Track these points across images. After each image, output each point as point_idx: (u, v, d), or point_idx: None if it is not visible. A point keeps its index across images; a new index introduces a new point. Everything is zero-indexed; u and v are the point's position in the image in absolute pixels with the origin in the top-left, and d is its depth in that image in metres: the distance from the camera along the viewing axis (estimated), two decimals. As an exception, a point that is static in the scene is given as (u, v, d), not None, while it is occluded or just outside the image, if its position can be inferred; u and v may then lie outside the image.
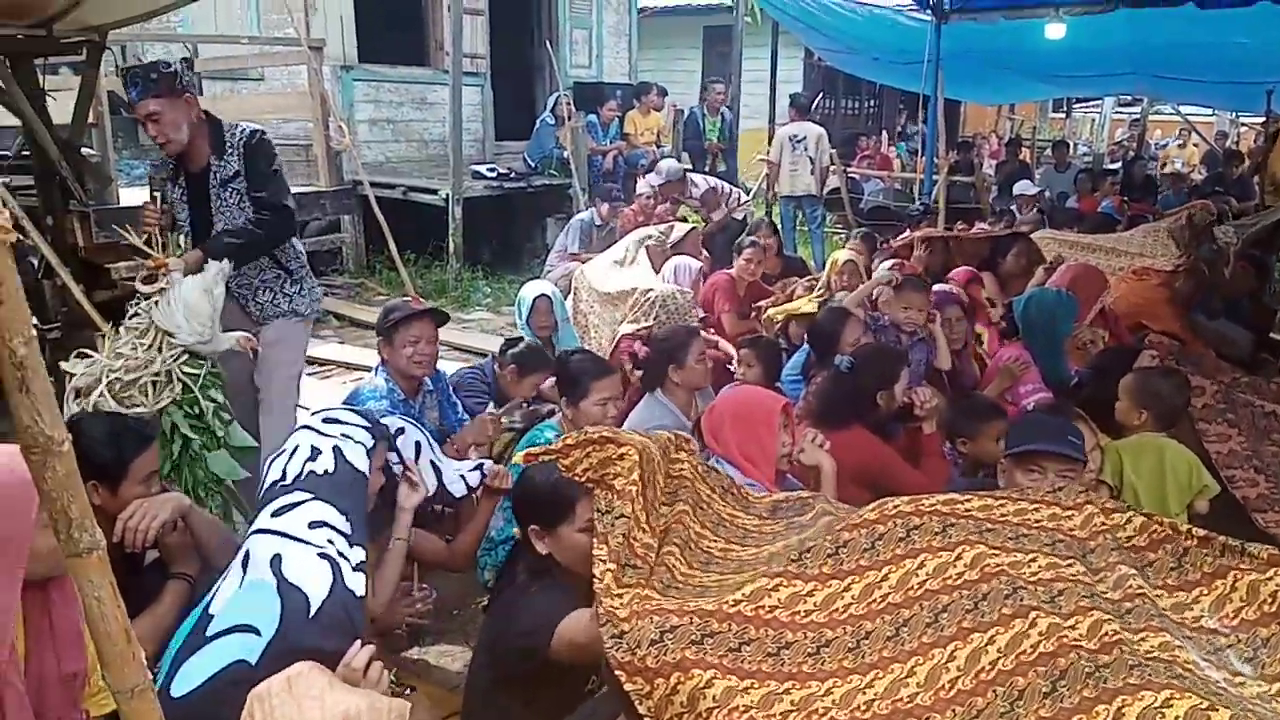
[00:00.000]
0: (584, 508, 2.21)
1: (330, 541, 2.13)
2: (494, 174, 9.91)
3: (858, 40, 10.88)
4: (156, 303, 3.19)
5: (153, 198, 3.69)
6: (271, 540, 2.09)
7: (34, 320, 2.81)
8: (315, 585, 2.07)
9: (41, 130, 4.33)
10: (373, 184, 6.44)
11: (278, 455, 2.36)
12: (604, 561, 1.97)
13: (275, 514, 2.17)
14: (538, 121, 10.42)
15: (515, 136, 11.41)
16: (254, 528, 2.19)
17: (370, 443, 2.42)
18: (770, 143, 12.11)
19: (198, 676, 1.94)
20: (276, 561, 2.05)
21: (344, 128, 6.96)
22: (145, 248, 3.30)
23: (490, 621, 2.44)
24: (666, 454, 2.42)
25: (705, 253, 7.01)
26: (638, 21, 14.06)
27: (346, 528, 2.18)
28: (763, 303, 5.76)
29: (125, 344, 3.14)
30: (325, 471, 2.28)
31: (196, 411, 3.13)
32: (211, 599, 2.11)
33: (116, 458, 2.52)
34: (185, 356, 3.17)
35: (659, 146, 10.89)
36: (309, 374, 6.77)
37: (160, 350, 3.13)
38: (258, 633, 1.99)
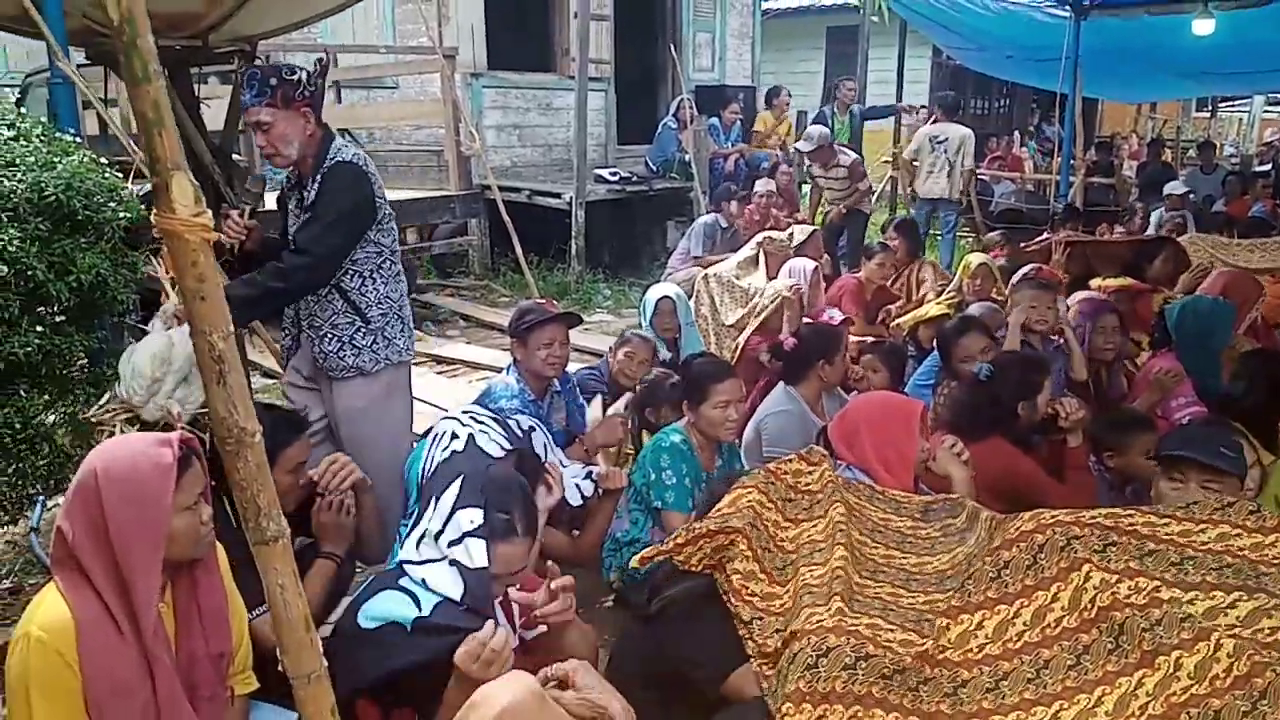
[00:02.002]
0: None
1: (452, 544, 2.20)
2: (616, 177, 9.98)
3: (990, 38, 10.55)
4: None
5: (240, 207, 3.42)
6: (420, 569, 2.18)
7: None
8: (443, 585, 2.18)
9: (196, 137, 4.55)
10: (499, 188, 6.58)
11: (428, 443, 2.43)
12: (749, 639, 2.08)
13: (416, 543, 2.26)
14: (659, 125, 10.46)
15: (637, 140, 11.49)
16: (421, 556, 2.27)
17: (505, 440, 2.46)
18: (894, 143, 11.90)
19: (370, 620, 2.10)
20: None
21: (474, 133, 7.11)
22: (165, 280, 2.87)
23: (652, 630, 2.45)
24: (793, 484, 2.42)
25: (825, 255, 6.94)
26: (761, 23, 13.98)
27: (479, 515, 2.22)
28: (890, 307, 5.65)
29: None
30: (454, 453, 2.34)
31: None
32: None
33: (268, 445, 2.63)
34: (131, 416, 2.76)
35: (782, 149, 10.80)
36: (437, 372, 6.95)
37: (112, 400, 2.80)
38: (418, 605, 2.06)
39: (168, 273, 2.86)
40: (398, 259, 3.47)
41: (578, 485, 3.03)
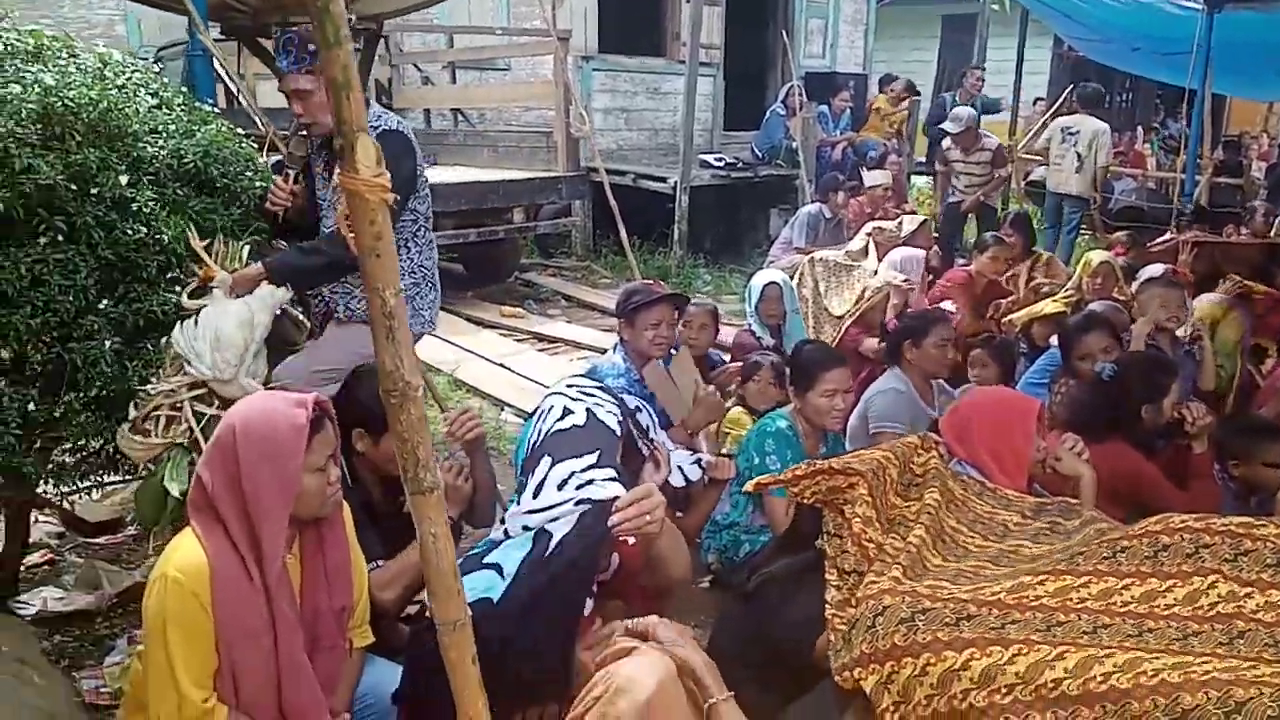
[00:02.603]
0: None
1: (579, 487, 2.18)
2: (721, 163, 9.94)
3: (1117, 29, 10.12)
4: (178, 324, 2.75)
5: (284, 173, 3.16)
6: (539, 516, 2.19)
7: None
8: (563, 526, 2.15)
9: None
10: (605, 171, 6.63)
11: (535, 419, 2.46)
12: (833, 584, 2.02)
13: (533, 494, 2.26)
14: (768, 112, 10.37)
15: (743, 126, 11.43)
16: (521, 508, 2.29)
17: (619, 415, 2.48)
18: (1010, 135, 11.55)
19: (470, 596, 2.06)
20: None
21: (584, 115, 7.16)
22: (201, 252, 2.80)
23: (751, 608, 2.45)
24: (909, 458, 2.38)
25: (935, 246, 6.81)
26: (875, 10, 13.73)
27: (594, 459, 2.22)
28: (1003, 302, 5.51)
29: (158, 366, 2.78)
30: (574, 426, 2.35)
31: None
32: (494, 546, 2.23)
33: (383, 410, 2.72)
34: (202, 392, 2.72)
35: (894, 139, 10.61)
36: (538, 349, 7.06)
37: (180, 377, 2.72)
38: (502, 573, 2.08)
39: (204, 243, 2.81)
40: (430, 227, 3.43)
41: (682, 469, 3.04)
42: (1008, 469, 2.77)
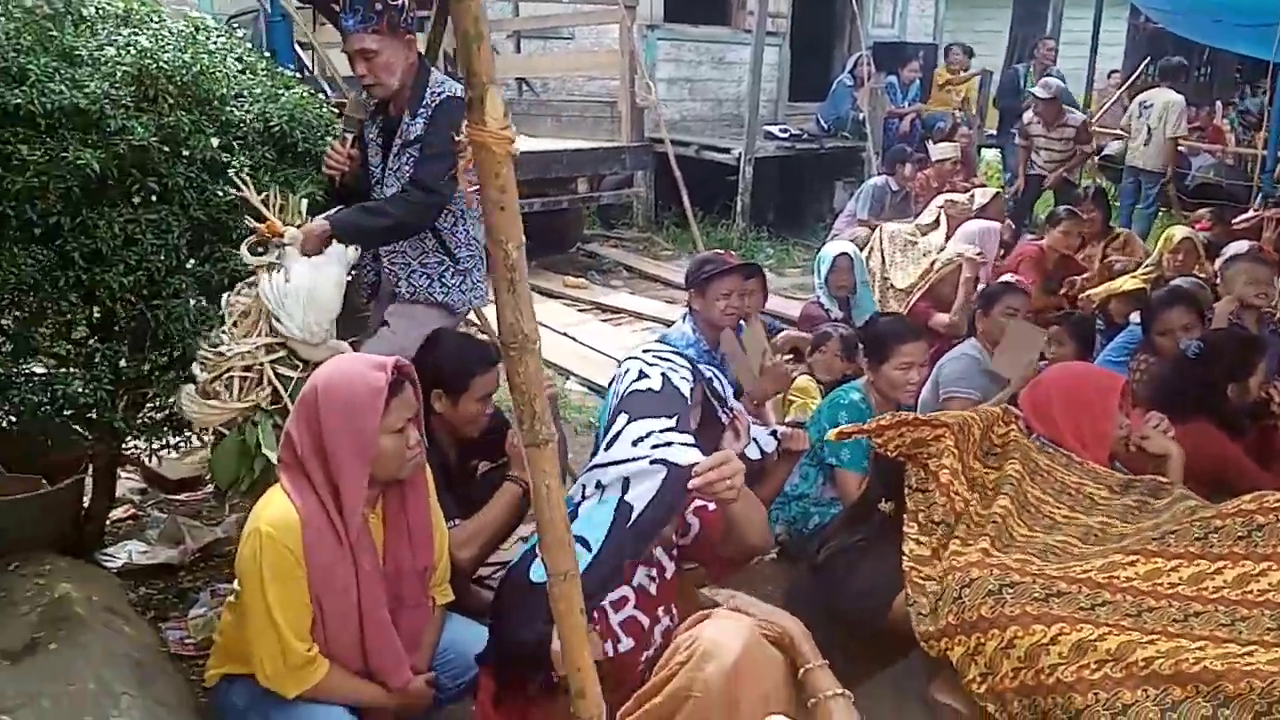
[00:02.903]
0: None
1: (655, 446, 2.16)
2: (786, 135, 9.84)
3: (1198, 0, 9.80)
4: (264, 278, 2.63)
5: (342, 136, 3.09)
6: (614, 469, 2.19)
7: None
8: (645, 492, 2.14)
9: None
10: (676, 141, 6.59)
11: (613, 384, 2.47)
12: (914, 539, 1.98)
13: (605, 448, 2.27)
14: (834, 82, 10.23)
15: (808, 97, 11.27)
16: (593, 462, 2.30)
17: (692, 382, 2.48)
18: (1086, 109, 11.25)
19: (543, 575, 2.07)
20: (625, 483, 2.14)
21: (650, 85, 7.13)
22: (260, 206, 2.67)
23: (820, 579, 2.45)
24: (991, 426, 2.35)
25: (1008, 219, 6.69)
26: (945, -21, 13.44)
27: (671, 423, 2.22)
28: (1076, 279, 5.39)
29: (222, 327, 2.66)
30: (650, 389, 2.35)
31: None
32: (576, 507, 2.24)
33: (462, 373, 2.75)
34: (282, 354, 2.62)
35: (961, 110, 10.40)
36: (601, 320, 7.08)
37: (257, 339, 2.61)
38: (589, 547, 2.09)
39: (264, 200, 2.69)
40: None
41: (757, 441, 3.03)
42: (1088, 446, 2.71)
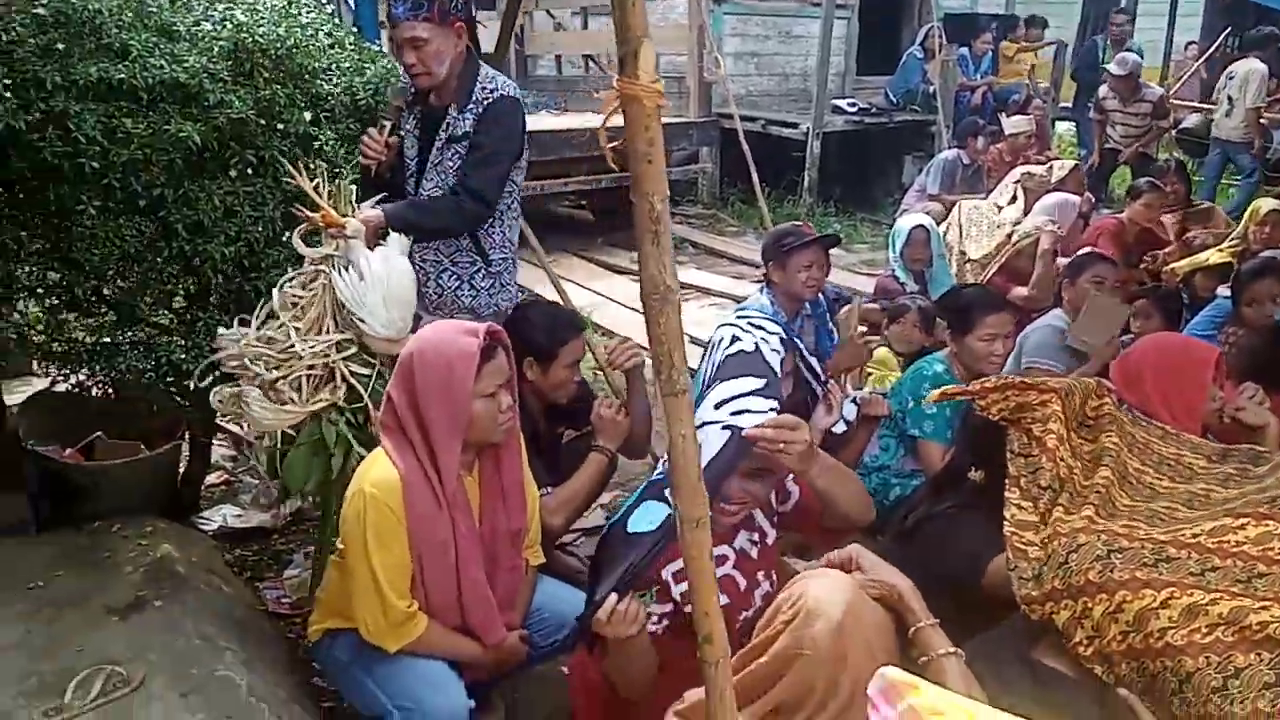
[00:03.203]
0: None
1: (735, 413, 2.18)
2: (854, 109, 9.72)
3: (1283, -34, 9.45)
4: (336, 273, 2.47)
5: (380, 125, 2.95)
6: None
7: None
8: (707, 454, 2.14)
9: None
10: (745, 117, 6.56)
11: (707, 352, 2.50)
12: (1016, 504, 1.97)
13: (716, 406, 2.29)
14: (904, 55, 10.06)
15: (877, 71, 11.11)
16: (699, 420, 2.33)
17: (783, 352, 2.49)
18: (1163, 82, 10.93)
19: (646, 524, 2.13)
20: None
21: (719, 60, 7.09)
22: (313, 194, 2.51)
23: (910, 548, 2.45)
24: (1086, 396, 2.32)
25: (1087, 193, 6.55)
26: (1019, -52, 13.09)
27: (758, 385, 2.23)
28: (1160, 253, 5.27)
29: (278, 324, 2.49)
30: (742, 352, 2.37)
31: (361, 420, 2.47)
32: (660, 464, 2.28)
33: (552, 340, 2.81)
34: (354, 350, 2.49)
35: (1030, 81, 10.17)
36: (669, 296, 7.09)
37: (326, 335, 2.47)
38: (669, 503, 2.13)
39: (314, 184, 2.53)
40: (518, 201, 3.24)
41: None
42: (1179, 418, 2.66)
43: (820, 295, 3.89)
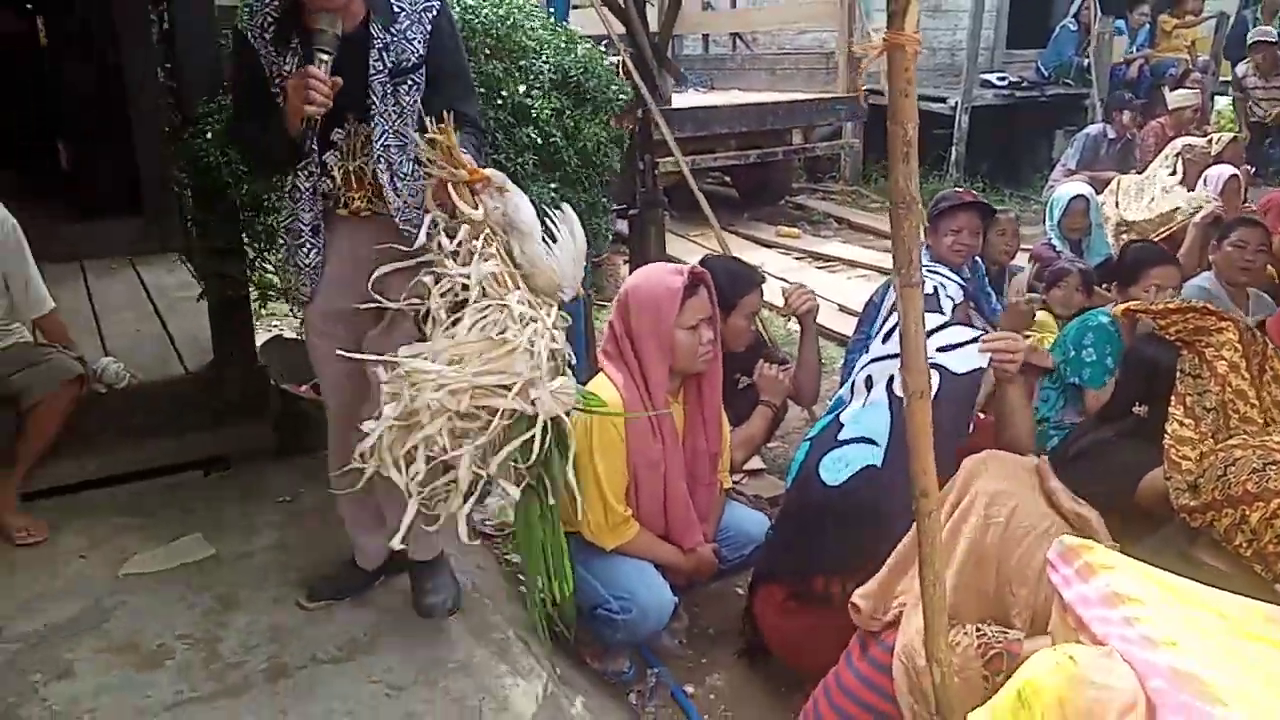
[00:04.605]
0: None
1: (939, 349, 2.37)
2: (1004, 83, 9.63)
3: None
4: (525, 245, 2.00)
5: (319, 61, 2.14)
6: (887, 364, 2.46)
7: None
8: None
9: (640, 32, 5.06)
10: (879, 92, 6.65)
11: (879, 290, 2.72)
12: (1179, 420, 2.14)
13: (884, 340, 2.53)
14: (1056, 28, 9.90)
15: (1027, 44, 10.92)
16: (869, 357, 2.58)
17: (959, 297, 2.70)
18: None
19: (842, 472, 2.37)
20: (890, 382, 2.41)
21: (871, 35, 7.19)
22: (458, 150, 2.01)
23: (1069, 476, 2.64)
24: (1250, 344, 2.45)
25: (1247, 165, 6.41)
26: (1180, -85, 12.56)
27: (944, 318, 2.44)
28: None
29: (465, 326, 1.90)
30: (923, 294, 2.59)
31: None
32: (841, 411, 2.54)
33: (732, 291, 3.07)
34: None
35: (1189, 54, 9.86)
36: (816, 267, 7.28)
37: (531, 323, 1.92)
38: (875, 444, 2.37)
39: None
40: None
41: None
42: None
43: (979, 262, 4.03)
